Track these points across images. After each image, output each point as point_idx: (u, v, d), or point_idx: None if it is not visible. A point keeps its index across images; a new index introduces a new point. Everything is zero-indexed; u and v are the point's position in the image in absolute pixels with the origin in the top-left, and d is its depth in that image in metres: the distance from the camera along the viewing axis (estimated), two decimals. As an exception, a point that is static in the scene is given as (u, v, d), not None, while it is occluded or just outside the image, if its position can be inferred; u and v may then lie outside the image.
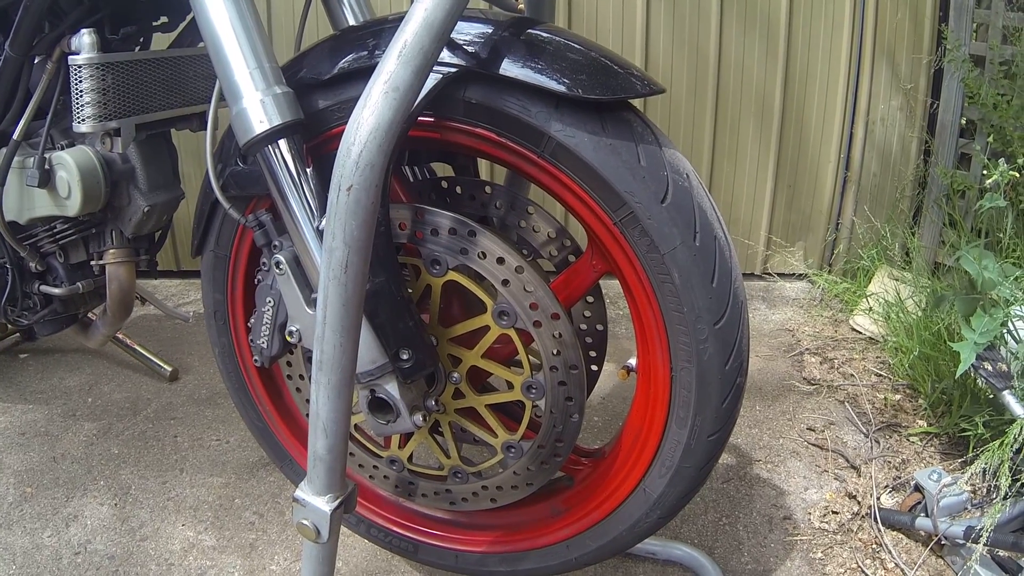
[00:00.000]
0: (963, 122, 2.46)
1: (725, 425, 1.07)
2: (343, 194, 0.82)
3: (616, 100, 0.97)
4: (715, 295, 0.99)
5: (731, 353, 1.02)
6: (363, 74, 1.02)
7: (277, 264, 1.09)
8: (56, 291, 1.58)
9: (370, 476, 1.35)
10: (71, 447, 1.88)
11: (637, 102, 1.06)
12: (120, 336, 2.19)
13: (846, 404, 2.03)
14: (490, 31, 1.00)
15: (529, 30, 1.01)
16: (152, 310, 2.44)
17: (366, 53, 1.04)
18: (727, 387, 1.03)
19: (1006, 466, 1.47)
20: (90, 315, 1.77)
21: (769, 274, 2.79)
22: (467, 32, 0.99)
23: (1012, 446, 1.49)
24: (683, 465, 1.10)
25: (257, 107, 1.00)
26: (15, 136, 1.37)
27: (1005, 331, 1.64)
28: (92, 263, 1.55)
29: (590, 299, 1.27)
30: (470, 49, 0.98)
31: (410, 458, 1.30)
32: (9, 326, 1.71)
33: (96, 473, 1.78)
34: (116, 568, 1.50)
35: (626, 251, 1.01)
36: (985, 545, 1.38)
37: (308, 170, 1.04)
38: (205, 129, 1.17)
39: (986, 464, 1.52)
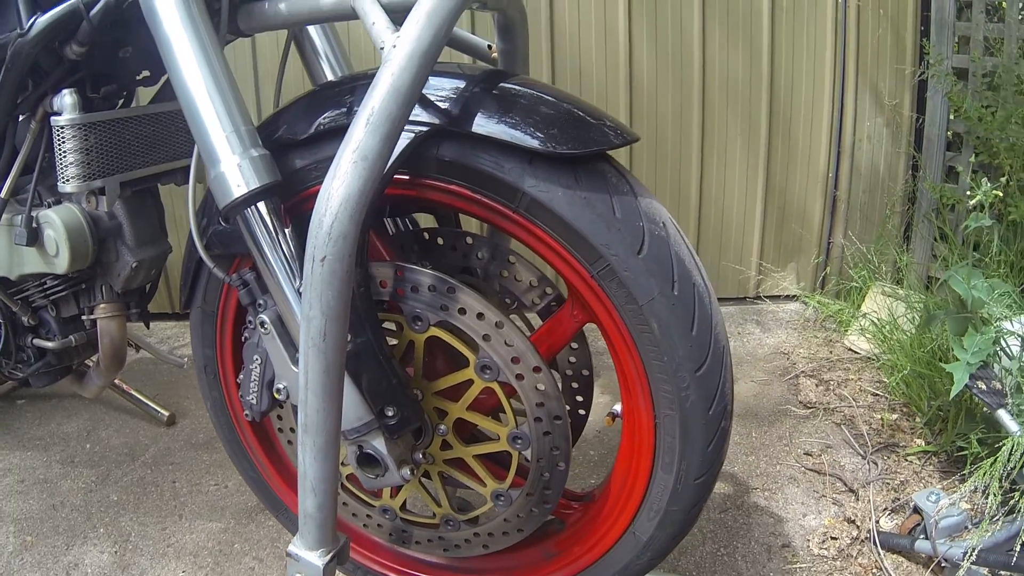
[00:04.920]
0: (950, 135, 2.47)
1: (711, 468, 1.07)
2: (317, 265, 0.83)
3: (589, 153, 0.98)
4: (695, 343, 0.99)
5: (714, 398, 1.02)
6: (339, 133, 1.01)
7: (262, 323, 1.09)
8: (49, 344, 1.58)
9: (364, 524, 1.35)
10: (70, 494, 1.88)
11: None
12: (116, 382, 2.18)
13: (843, 426, 2.03)
14: (462, 86, 1.01)
15: (501, 84, 1.02)
16: (147, 355, 2.45)
17: (343, 111, 1.05)
18: (711, 432, 1.04)
19: (995, 485, 1.47)
20: (86, 363, 1.78)
21: (761, 298, 2.80)
22: (439, 88, 1.00)
23: (1005, 464, 1.49)
24: (671, 508, 1.10)
25: (235, 171, 1.01)
26: (2, 194, 1.37)
27: (998, 348, 1.64)
28: (83, 317, 1.56)
29: (574, 345, 1.27)
30: (442, 106, 0.99)
31: (403, 506, 1.31)
32: (4, 376, 1.72)
33: (96, 520, 1.78)
34: (117, 618, 1.50)
35: (604, 303, 1.01)
36: (974, 564, 1.38)
37: (287, 230, 1.05)
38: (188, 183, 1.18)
39: (979, 483, 1.52)
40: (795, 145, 2.66)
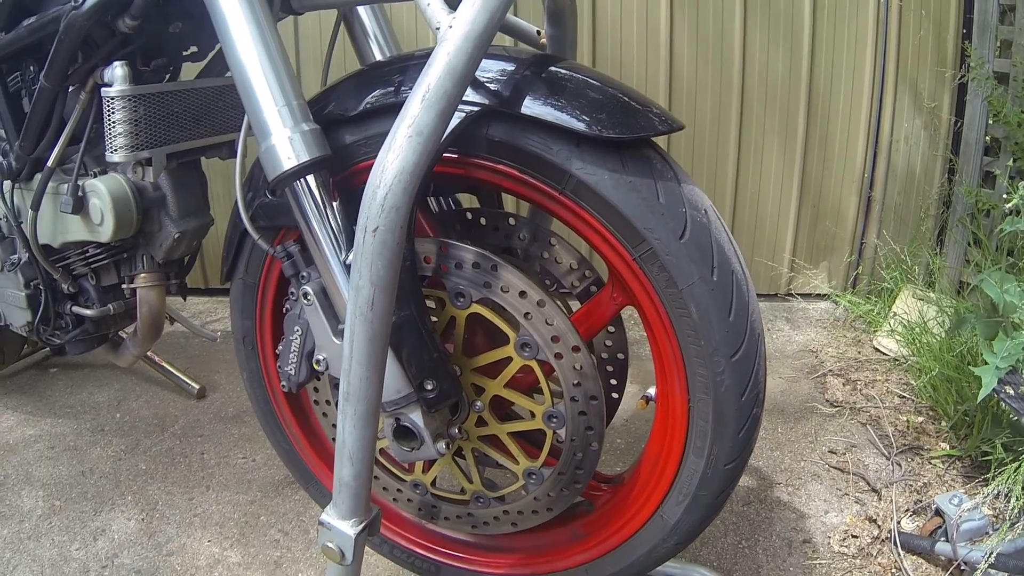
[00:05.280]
0: (988, 140, 2.45)
1: (742, 454, 1.08)
2: (369, 235, 0.85)
3: (636, 139, 0.99)
4: (732, 329, 1.00)
5: (747, 384, 1.03)
6: (389, 111, 1.05)
7: (305, 295, 1.12)
8: (88, 312, 1.61)
9: (394, 499, 1.38)
10: (99, 462, 1.92)
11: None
12: (149, 353, 2.22)
13: (868, 426, 2.03)
14: (512, 69, 1.02)
15: (551, 67, 1.03)
16: (180, 328, 2.48)
17: (392, 89, 1.07)
18: (744, 418, 1.05)
19: (1019, 489, 1.47)
20: (121, 334, 1.81)
21: (792, 295, 2.79)
22: (489, 70, 1.02)
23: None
24: (700, 493, 1.11)
25: (285, 144, 1.03)
26: (49, 163, 1.40)
27: (1027, 354, 1.64)
28: (123, 286, 1.58)
29: (611, 329, 1.29)
30: (492, 87, 1.00)
31: (433, 482, 1.33)
32: (40, 343, 1.75)
33: (124, 488, 1.82)
34: (143, 582, 1.53)
35: (645, 286, 1.03)
36: (993, 567, 1.38)
37: (335, 204, 1.07)
38: (234, 157, 1.20)
39: (1001, 487, 1.52)
40: (832, 143, 2.65)
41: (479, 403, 1.18)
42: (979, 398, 1.58)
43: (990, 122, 2.42)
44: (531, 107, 0.98)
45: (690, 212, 0.99)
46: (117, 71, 1.27)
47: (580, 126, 0.96)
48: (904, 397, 2.14)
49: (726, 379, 1.02)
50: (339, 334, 1.11)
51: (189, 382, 2.23)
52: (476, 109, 0.99)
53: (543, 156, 0.99)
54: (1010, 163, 2.30)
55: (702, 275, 0.98)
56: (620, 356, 1.31)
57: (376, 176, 0.85)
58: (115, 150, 1.29)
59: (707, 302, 0.99)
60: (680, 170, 1.03)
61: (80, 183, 1.39)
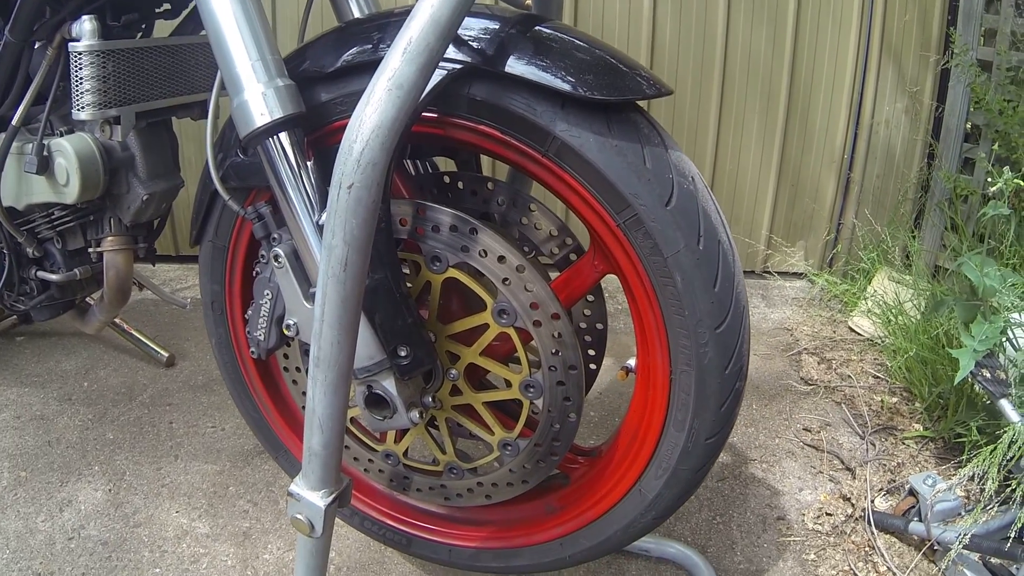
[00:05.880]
0: (968, 127, 2.46)
1: (723, 429, 1.07)
2: (344, 192, 0.82)
3: (623, 101, 0.96)
4: (717, 299, 0.98)
5: (731, 357, 1.01)
6: (367, 68, 1.01)
7: (276, 257, 1.08)
8: (53, 277, 1.57)
9: (365, 469, 1.35)
10: (66, 431, 1.88)
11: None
12: (117, 321, 2.19)
13: (843, 405, 2.04)
14: (496, 27, 0.99)
15: (536, 27, 1.00)
16: (149, 295, 2.44)
17: (370, 47, 1.03)
18: (726, 391, 1.03)
19: (994, 471, 1.47)
20: (88, 300, 1.77)
21: (769, 272, 2.79)
22: (473, 28, 0.99)
23: (1004, 452, 1.49)
24: (680, 467, 1.10)
25: (259, 100, 0.99)
26: (14, 122, 1.36)
27: (1004, 338, 1.64)
28: (90, 250, 1.55)
29: (590, 298, 1.27)
30: (475, 45, 0.97)
31: (405, 453, 1.30)
32: (5, 310, 1.71)
33: (91, 458, 1.78)
34: (109, 554, 1.50)
35: (629, 253, 1.00)
36: (966, 548, 1.39)
37: (309, 163, 1.03)
38: (206, 118, 1.16)
39: (976, 469, 1.52)
40: (813, 121, 2.65)
41: (454, 371, 1.16)
42: (956, 380, 1.59)
43: (971, 109, 2.42)
44: (515, 66, 0.95)
45: (677, 179, 0.96)
46: (86, 25, 1.24)
47: (565, 87, 0.93)
48: (879, 377, 2.15)
49: (710, 351, 1.00)
50: (310, 298, 1.08)
51: (158, 350, 2.19)
52: (458, 67, 0.95)
53: (526, 117, 0.96)
54: (995, 147, 2.30)
55: (688, 243, 0.96)
56: (599, 326, 1.29)
57: (353, 130, 0.81)
58: (82, 108, 1.26)
59: (692, 271, 0.97)
60: (667, 135, 1.00)
61: (45, 142, 1.35)
